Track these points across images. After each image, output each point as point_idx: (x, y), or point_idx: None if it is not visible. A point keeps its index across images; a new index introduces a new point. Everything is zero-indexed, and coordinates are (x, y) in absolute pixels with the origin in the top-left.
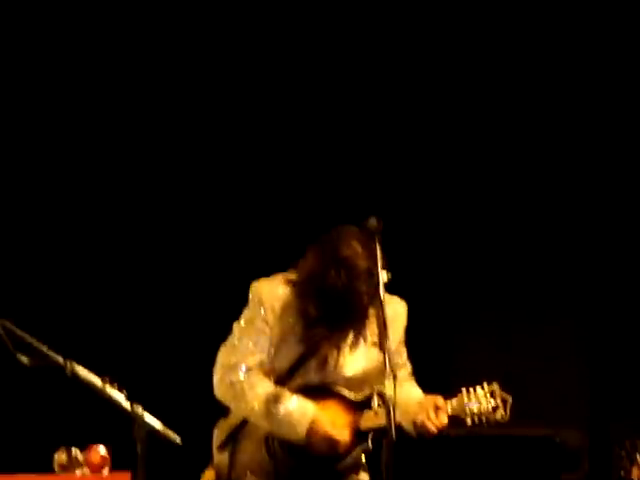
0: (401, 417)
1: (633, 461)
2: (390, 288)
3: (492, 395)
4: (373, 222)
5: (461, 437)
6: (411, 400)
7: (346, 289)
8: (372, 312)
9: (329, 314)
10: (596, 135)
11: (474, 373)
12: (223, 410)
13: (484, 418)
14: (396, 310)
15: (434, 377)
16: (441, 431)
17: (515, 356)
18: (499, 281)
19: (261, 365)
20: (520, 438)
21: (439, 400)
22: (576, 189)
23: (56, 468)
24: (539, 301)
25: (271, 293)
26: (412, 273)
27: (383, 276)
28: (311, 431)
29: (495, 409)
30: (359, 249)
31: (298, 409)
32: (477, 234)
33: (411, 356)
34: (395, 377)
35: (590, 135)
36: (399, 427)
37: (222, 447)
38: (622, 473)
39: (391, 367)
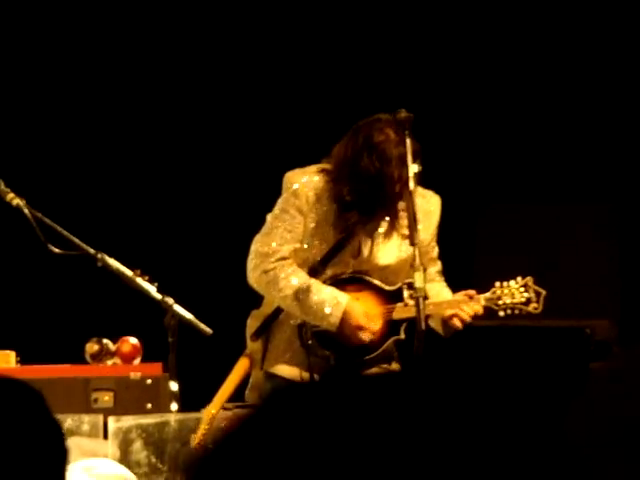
0: (430, 312)
1: None
2: (421, 181)
3: (526, 288)
4: (403, 114)
5: (490, 328)
6: (440, 297)
7: (379, 174)
8: (405, 204)
9: (362, 199)
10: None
11: (499, 270)
12: (256, 302)
13: (517, 310)
14: (430, 204)
15: (461, 274)
16: (470, 323)
17: (543, 250)
18: (525, 171)
19: (295, 254)
20: (549, 329)
21: (471, 292)
22: (606, 75)
23: (88, 358)
24: (567, 190)
25: (305, 182)
26: (439, 166)
27: (414, 168)
28: (344, 321)
29: (528, 301)
30: (392, 136)
31: (331, 299)
32: (503, 124)
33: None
34: (425, 269)
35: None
36: (428, 320)
37: (256, 336)
38: None
39: (421, 260)
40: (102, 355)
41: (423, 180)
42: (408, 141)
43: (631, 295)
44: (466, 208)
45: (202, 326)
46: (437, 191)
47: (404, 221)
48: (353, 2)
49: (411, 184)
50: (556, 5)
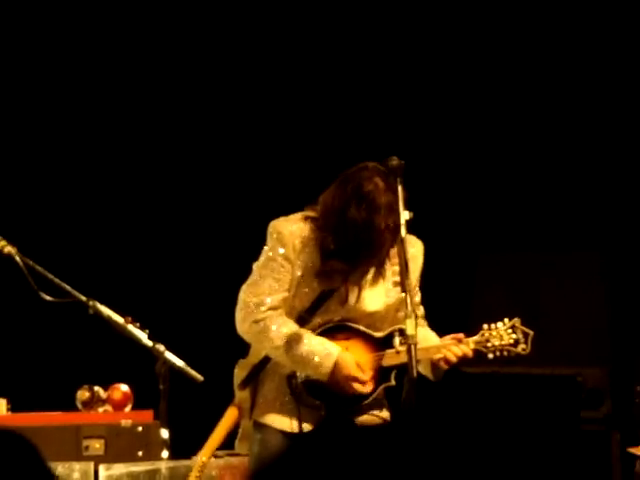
0: (419, 357)
1: None
2: (411, 228)
3: (513, 330)
4: (394, 161)
5: (482, 375)
6: (428, 342)
7: (366, 224)
8: (393, 251)
9: (347, 248)
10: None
11: (495, 315)
12: (244, 349)
13: (506, 352)
14: (414, 249)
15: (454, 320)
16: (460, 364)
17: (536, 297)
18: (517, 220)
19: (284, 303)
20: (541, 377)
21: (460, 335)
22: (594, 121)
23: (79, 405)
24: (559, 239)
25: (291, 231)
26: (431, 214)
27: (405, 215)
28: (336, 371)
29: (517, 343)
30: (381, 184)
31: (322, 350)
32: (495, 174)
33: (431, 298)
34: (417, 317)
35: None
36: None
37: (243, 385)
38: None
39: (412, 306)
40: (93, 402)
41: (420, 229)
42: (400, 188)
43: (623, 343)
44: (462, 257)
45: (193, 373)
46: (433, 240)
47: (390, 266)
48: (342, 44)
49: (403, 231)
50: (541, 53)
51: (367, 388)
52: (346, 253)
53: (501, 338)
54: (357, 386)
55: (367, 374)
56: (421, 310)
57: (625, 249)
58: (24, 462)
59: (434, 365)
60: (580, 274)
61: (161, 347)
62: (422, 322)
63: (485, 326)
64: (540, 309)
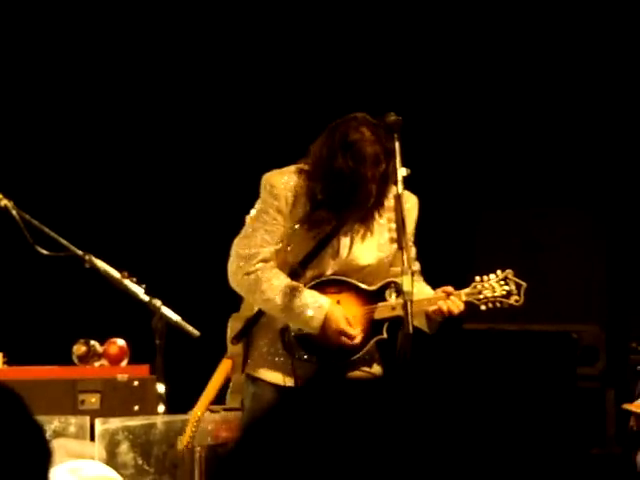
0: (415, 312)
1: None
2: (411, 184)
3: (506, 281)
4: (392, 117)
5: (478, 331)
6: (422, 295)
7: (352, 173)
8: (386, 205)
9: (334, 198)
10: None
11: (492, 270)
12: (238, 303)
13: (498, 304)
14: (408, 203)
15: (453, 276)
16: (455, 317)
17: (534, 254)
18: (516, 177)
19: (276, 255)
20: (537, 333)
21: (449, 288)
22: (597, 77)
23: (75, 360)
24: (556, 196)
25: (283, 183)
26: (431, 170)
27: (402, 172)
28: (326, 324)
29: (509, 294)
30: (367, 134)
31: (313, 302)
32: (495, 128)
33: (431, 254)
34: (413, 273)
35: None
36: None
37: (237, 339)
38: (638, 368)
39: (409, 263)
40: (89, 357)
41: (423, 186)
42: (397, 144)
43: (618, 300)
44: (464, 214)
45: (189, 328)
46: (435, 198)
47: (384, 220)
48: (340, 3)
49: (400, 187)
50: (551, 9)
51: (356, 341)
52: (333, 202)
53: (493, 290)
54: (345, 340)
55: (356, 328)
56: (417, 265)
57: (625, 207)
58: (10, 414)
59: (429, 317)
60: (579, 231)
61: (157, 302)
62: (417, 277)
63: (477, 278)
64: (538, 265)
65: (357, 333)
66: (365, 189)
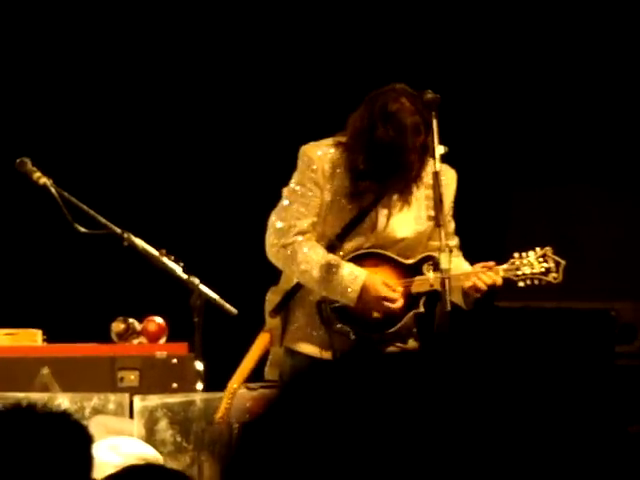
0: (452, 288)
1: None
2: (448, 159)
3: (545, 259)
4: (430, 95)
5: (515, 309)
6: (458, 270)
7: (394, 143)
8: (424, 179)
9: (377, 169)
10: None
11: (530, 246)
12: (276, 279)
13: (536, 281)
14: (446, 178)
15: (490, 250)
16: (491, 292)
17: (571, 231)
18: (557, 149)
19: (313, 228)
20: (574, 311)
21: (490, 263)
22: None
23: (114, 337)
24: (599, 173)
25: (321, 155)
26: (469, 144)
27: (440, 149)
28: (363, 295)
29: (548, 271)
30: (407, 104)
31: (349, 274)
32: (536, 103)
33: (469, 228)
34: (451, 250)
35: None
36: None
37: (275, 312)
38: None
39: (446, 240)
40: (128, 334)
41: (455, 163)
42: (435, 122)
43: None
44: (499, 190)
45: (227, 306)
46: (469, 175)
47: (422, 195)
48: None
49: (437, 165)
50: None
51: (398, 304)
52: (376, 173)
53: (532, 266)
54: (387, 304)
55: (397, 292)
56: (455, 240)
57: None
58: (75, 452)
59: (465, 293)
60: (615, 209)
61: (196, 280)
62: (456, 252)
63: (516, 254)
64: (575, 242)
65: (398, 296)
66: (406, 159)
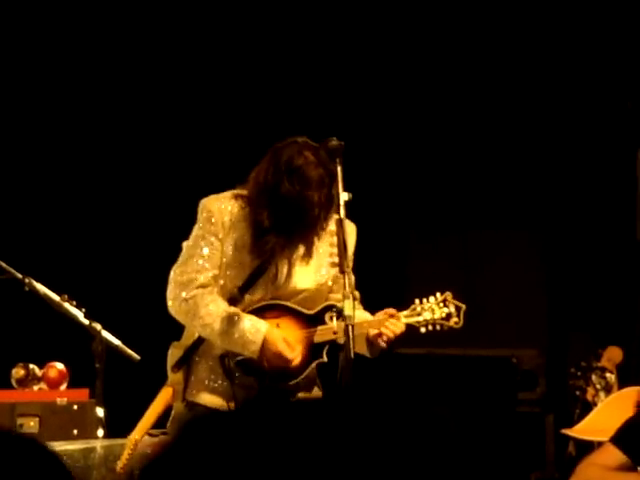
0: (356, 336)
1: (588, 381)
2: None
3: (445, 303)
4: (334, 142)
5: (417, 356)
6: (363, 318)
7: (299, 198)
8: (326, 229)
9: (281, 224)
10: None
11: (427, 295)
12: (180, 328)
13: (438, 326)
14: (348, 231)
15: (390, 298)
16: (396, 340)
17: (472, 276)
18: (455, 198)
19: (215, 281)
20: (477, 358)
21: (391, 310)
22: (540, 102)
23: (14, 383)
24: (496, 217)
25: (221, 208)
26: (365, 193)
27: (344, 196)
28: (264, 348)
29: (449, 316)
30: (311, 158)
31: (251, 328)
32: (433, 148)
33: (367, 278)
34: (355, 298)
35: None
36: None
37: (177, 367)
38: (577, 393)
39: (350, 287)
40: (28, 380)
41: (357, 211)
42: (339, 169)
43: (558, 325)
44: (396, 239)
45: (130, 352)
46: (366, 220)
47: (324, 245)
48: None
49: (342, 212)
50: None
51: (295, 362)
52: (281, 228)
53: (433, 312)
54: (284, 361)
55: (296, 349)
56: (357, 294)
57: (564, 230)
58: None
59: (370, 341)
60: (519, 254)
61: (98, 326)
62: (357, 305)
63: (417, 300)
64: (476, 290)
65: (296, 355)
66: (311, 213)
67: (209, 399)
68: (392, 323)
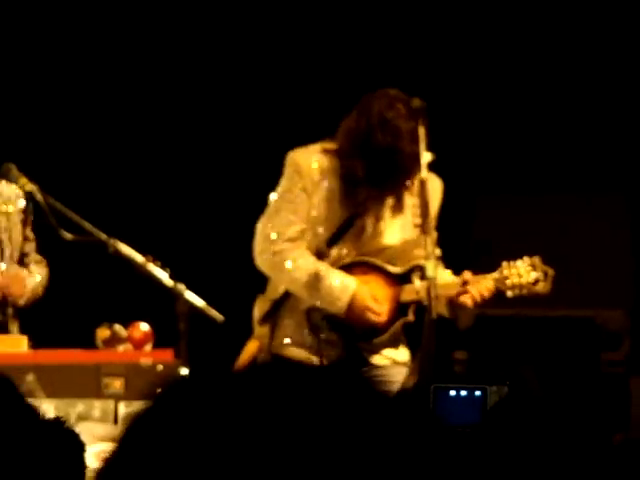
0: (438, 294)
1: None
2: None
3: (533, 268)
4: (417, 102)
5: (501, 317)
6: (445, 280)
7: (391, 149)
8: (413, 186)
9: (374, 175)
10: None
11: (513, 253)
12: (264, 284)
13: (525, 290)
14: (433, 188)
15: (469, 257)
16: (481, 303)
17: (557, 235)
18: (540, 155)
19: (302, 235)
20: (560, 319)
21: (467, 274)
22: (619, 55)
23: (99, 344)
24: (583, 175)
25: (308, 161)
26: (449, 150)
27: (427, 156)
28: (352, 305)
29: (536, 281)
30: (403, 110)
31: (339, 284)
32: (515, 103)
33: (446, 237)
34: (437, 258)
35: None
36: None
37: (263, 320)
38: None
39: (432, 248)
40: (113, 341)
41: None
42: (422, 129)
43: None
44: (470, 198)
45: (214, 313)
46: (446, 177)
47: (410, 201)
48: None
49: (424, 172)
50: (554, 4)
51: (382, 318)
52: (374, 179)
53: (520, 276)
54: (373, 316)
55: (383, 306)
56: (437, 251)
57: None
58: (68, 460)
59: (451, 303)
60: (603, 216)
61: (182, 287)
62: (440, 264)
63: (504, 263)
64: (561, 251)
65: (383, 310)
66: (403, 164)
67: (295, 352)
68: (481, 284)
